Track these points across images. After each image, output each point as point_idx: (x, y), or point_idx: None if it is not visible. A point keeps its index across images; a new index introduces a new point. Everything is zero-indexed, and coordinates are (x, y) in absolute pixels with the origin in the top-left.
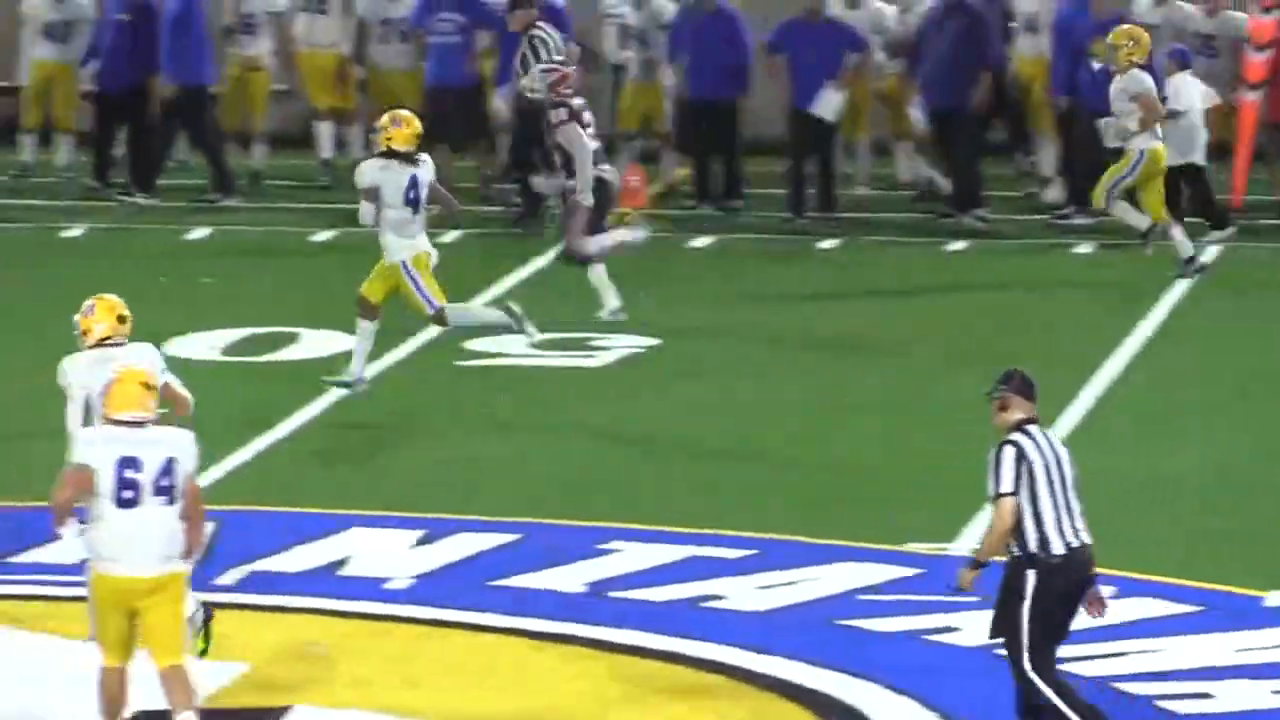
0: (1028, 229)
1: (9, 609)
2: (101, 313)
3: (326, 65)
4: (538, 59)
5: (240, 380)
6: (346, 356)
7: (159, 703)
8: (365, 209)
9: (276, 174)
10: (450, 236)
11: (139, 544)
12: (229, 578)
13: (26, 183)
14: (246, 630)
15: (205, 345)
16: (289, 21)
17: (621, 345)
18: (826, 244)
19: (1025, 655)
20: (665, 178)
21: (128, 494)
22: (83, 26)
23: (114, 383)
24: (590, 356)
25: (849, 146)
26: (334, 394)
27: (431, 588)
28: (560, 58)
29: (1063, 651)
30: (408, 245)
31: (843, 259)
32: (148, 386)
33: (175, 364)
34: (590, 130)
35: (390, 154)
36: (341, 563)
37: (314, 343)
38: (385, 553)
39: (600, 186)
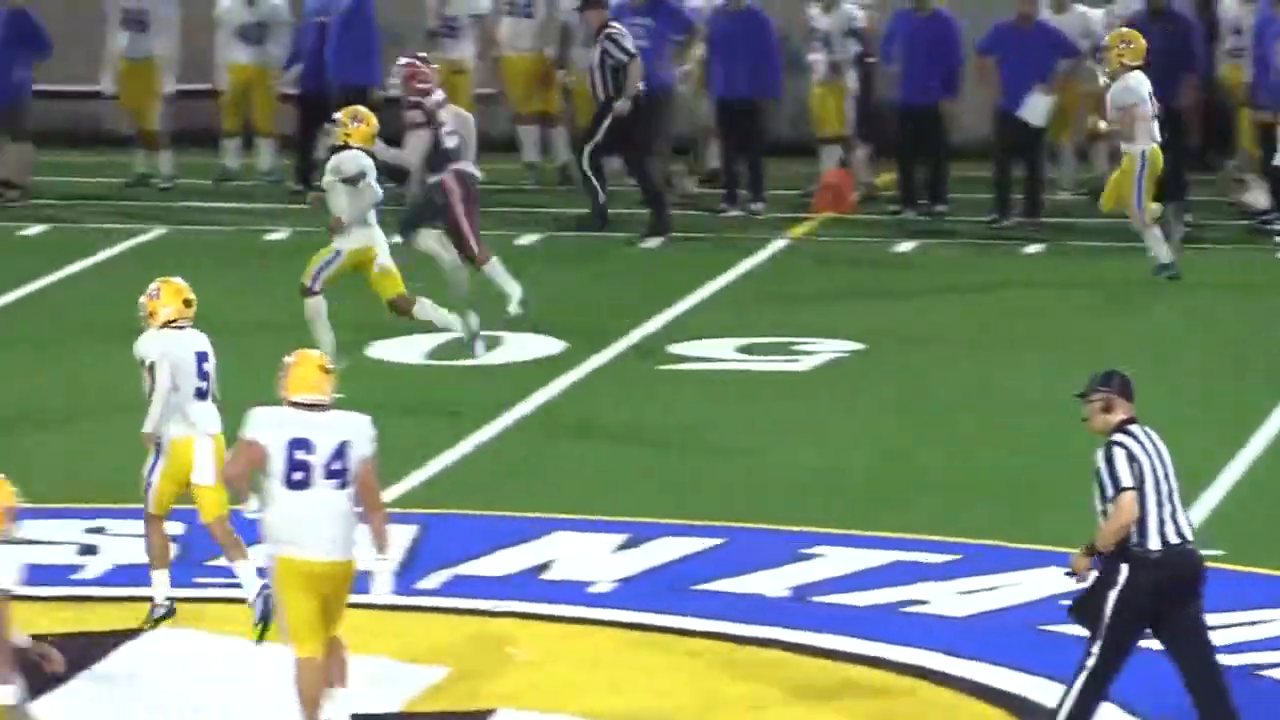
0: (1231, 234)
1: (204, 612)
2: (168, 295)
3: (530, 69)
4: (614, 59)
5: (444, 383)
6: (551, 361)
7: (367, 706)
8: (358, 193)
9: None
10: (653, 242)
11: (311, 526)
12: (432, 581)
13: (230, 187)
14: (449, 634)
15: (408, 348)
16: (493, 24)
17: (826, 350)
18: (1031, 249)
19: (1098, 641)
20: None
21: (298, 475)
22: (277, 29)
23: (292, 365)
24: (794, 361)
25: (1053, 150)
26: (537, 397)
27: (634, 592)
28: (633, 55)
29: (1262, 658)
30: (365, 236)
31: (1047, 263)
32: (325, 370)
33: (379, 366)
34: (447, 128)
35: (350, 149)
36: (544, 566)
37: (517, 346)
38: (588, 557)
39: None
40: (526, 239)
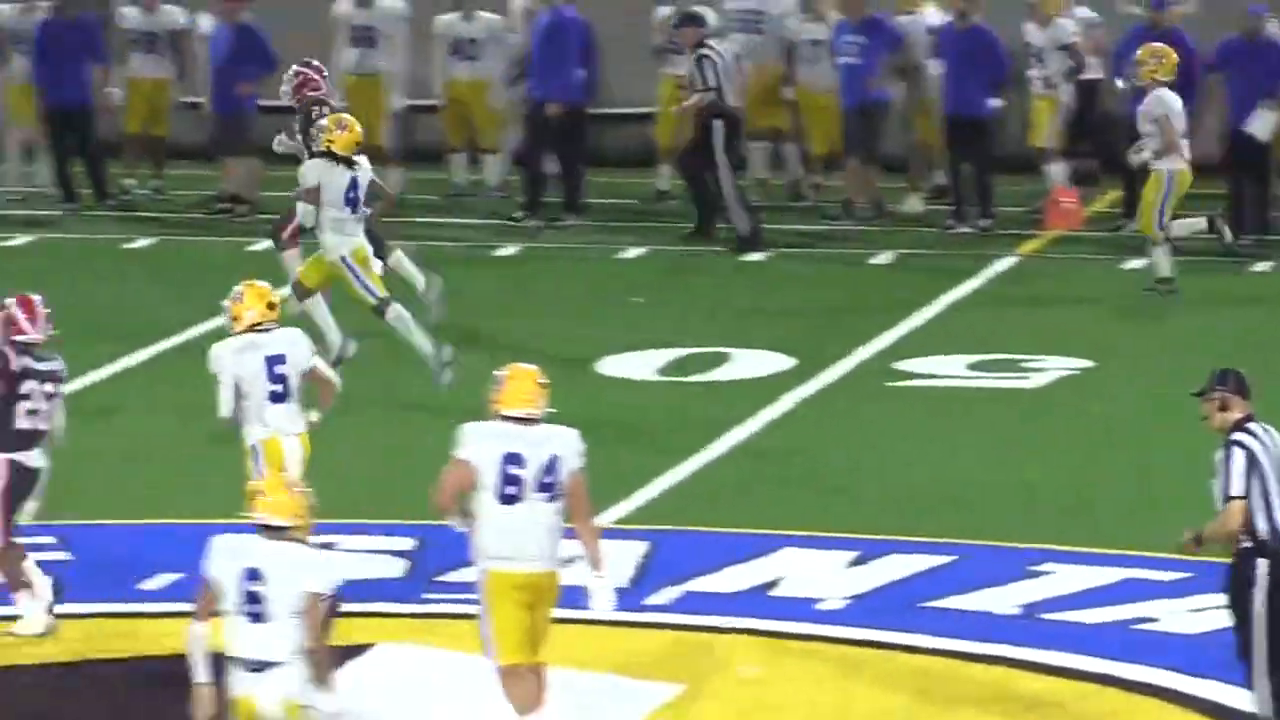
0: None
1: (433, 627)
2: (251, 299)
3: (761, 84)
4: (703, 76)
5: (675, 399)
6: (781, 377)
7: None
8: (305, 208)
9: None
10: (883, 257)
11: (522, 539)
12: (662, 597)
13: (461, 203)
14: (680, 650)
15: (640, 365)
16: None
17: (1055, 367)
18: (1261, 266)
19: (1255, 646)
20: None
21: (510, 489)
22: (493, 43)
23: (506, 379)
24: (1024, 378)
25: None
26: (767, 413)
27: (863, 609)
28: (717, 80)
29: None
30: (346, 242)
31: (1276, 280)
32: (540, 385)
33: (610, 383)
34: None
35: (331, 156)
36: (773, 583)
37: (746, 363)
38: (818, 573)
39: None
40: (754, 255)
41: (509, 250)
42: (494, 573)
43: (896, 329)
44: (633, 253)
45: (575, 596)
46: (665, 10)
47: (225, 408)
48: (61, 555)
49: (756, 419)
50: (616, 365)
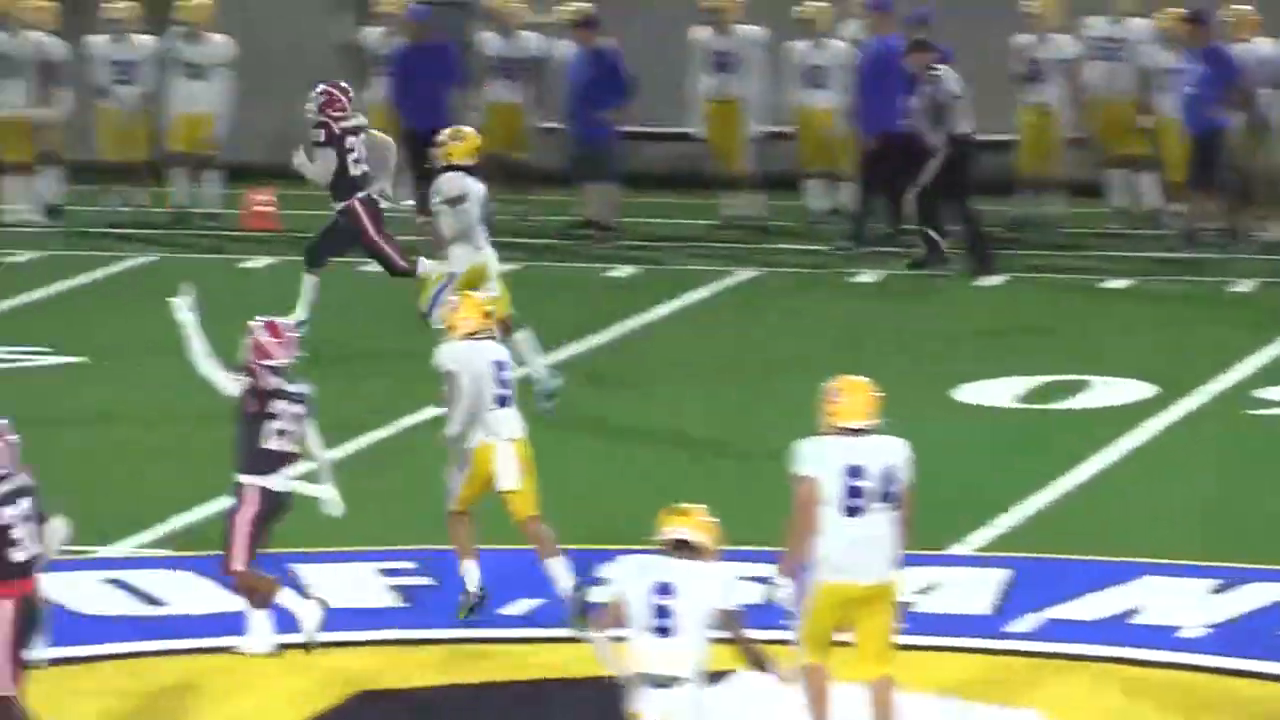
0: None
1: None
2: (469, 309)
3: (1121, 112)
4: (934, 98)
5: (1035, 427)
6: (1142, 405)
7: None
8: (461, 214)
9: (1071, 222)
10: (1244, 285)
11: (865, 551)
12: (1023, 624)
13: (819, 228)
14: (1042, 678)
15: (1000, 392)
16: (1077, 68)
17: None
18: None
19: None
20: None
21: (855, 501)
22: (838, 71)
23: (841, 392)
24: None
25: None
26: (1125, 441)
27: (1224, 637)
28: (958, 97)
29: None
30: (470, 256)
31: None
32: (873, 395)
33: (969, 410)
34: (354, 155)
35: (455, 168)
36: (1133, 611)
37: (1107, 390)
38: (1178, 601)
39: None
40: (1115, 283)
41: (867, 277)
42: (831, 585)
43: (1257, 357)
44: (992, 281)
45: (937, 623)
46: (1024, 38)
47: (468, 396)
48: (424, 580)
49: (1116, 446)
50: (975, 392)
